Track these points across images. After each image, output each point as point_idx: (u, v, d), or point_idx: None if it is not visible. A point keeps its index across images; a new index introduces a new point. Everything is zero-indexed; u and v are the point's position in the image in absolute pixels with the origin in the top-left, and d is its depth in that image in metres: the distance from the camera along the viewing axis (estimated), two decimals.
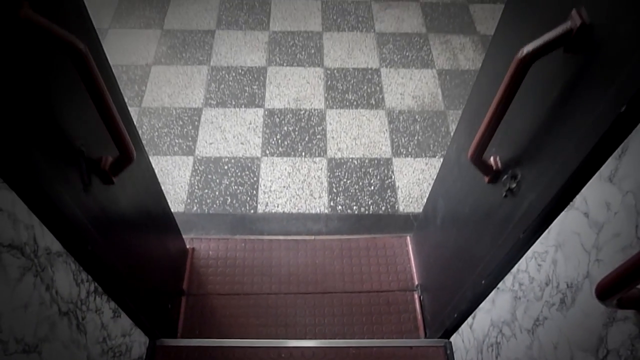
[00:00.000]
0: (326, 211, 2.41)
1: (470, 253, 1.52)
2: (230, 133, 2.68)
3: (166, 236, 1.95)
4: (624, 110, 0.78)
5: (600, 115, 0.83)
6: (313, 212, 2.40)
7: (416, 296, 2.14)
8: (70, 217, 1.04)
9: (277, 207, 2.41)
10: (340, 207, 2.43)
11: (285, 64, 3.05)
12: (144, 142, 2.51)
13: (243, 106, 2.81)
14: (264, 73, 2.99)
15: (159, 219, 1.83)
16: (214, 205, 2.41)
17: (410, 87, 2.95)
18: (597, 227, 0.87)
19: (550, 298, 1.05)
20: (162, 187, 1.83)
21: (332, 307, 2.12)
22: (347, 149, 2.65)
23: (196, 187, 2.47)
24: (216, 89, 2.90)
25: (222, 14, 3.36)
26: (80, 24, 1.07)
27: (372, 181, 2.53)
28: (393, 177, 2.54)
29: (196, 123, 2.72)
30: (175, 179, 2.49)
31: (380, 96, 2.90)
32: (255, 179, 2.51)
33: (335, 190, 2.48)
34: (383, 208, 2.44)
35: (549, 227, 1.04)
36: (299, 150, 2.63)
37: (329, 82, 2.95)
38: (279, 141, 2.66)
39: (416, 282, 2.18)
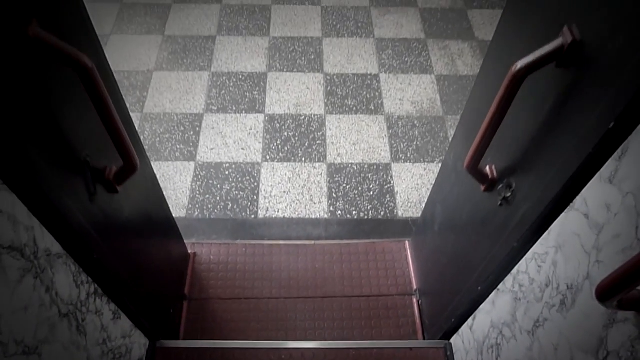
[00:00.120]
0: (326, 216, 2.44)
1: (467, 259, 1.55)
2: (231, 139, 2.71)
3: (168, 241, 1.98)
4: (612, 127, 0.81)
5: (589, 130, 0.86)
6: (313, 217, 2.43)
7: (415, 300, 2.17)
8: (76, 225, 1.07)
9: (278, 212, 2.44)
10: (339, 212, 2.46)
11: (285, 70, 3.08)
12: (145, 147, 2.54)
13: (244, 112, 2.84)
14: (264, 79, 3.02)
15: (161, 224, 1.86)
16: (215, 211, 2.44)
17: (409, 93, 2.98)
18: (598, 229, 0.87)
19: (551, 299, 1.06)
20: (164, 193, 1.86)
21: (332, 311, 2.15)
22: (347, 154, 2.68)
23: (197, 192, 2.50)
24: (217, 94, 2.93)
25: (222, 20, 3.39)
26: (87, 39, 1.10)
27: (371, 186, 2.56)
28: (392, 182, 2.57)
29: (197, 129, 2.75)
30: (176, 185, 2.52)
31: (380, 102, 2.93)
32: (255, 184, 2.54)
33: (335, 196, 2.51)
34: (382, 213, 2.46)
35: (549, 229, 1.05)
36: (299, 155, 2.66)
37: (329, 88, 2.99)
38: (280, 147, 2.69)
39: (415, 287, 2.21)
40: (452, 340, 1.90)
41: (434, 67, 3.14)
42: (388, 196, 2.52)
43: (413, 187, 2.56)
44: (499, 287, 1.34)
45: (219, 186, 2.52)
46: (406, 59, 3.18)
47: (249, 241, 2.32)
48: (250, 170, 2.59)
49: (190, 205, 2.45)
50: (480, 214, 1.41)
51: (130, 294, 1.48)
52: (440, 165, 2.36)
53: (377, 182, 2.57)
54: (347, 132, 2.77)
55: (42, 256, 0.98)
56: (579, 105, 0.90)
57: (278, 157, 2.65)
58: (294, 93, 2.95)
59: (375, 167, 2.63)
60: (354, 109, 2.89)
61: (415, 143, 2.74)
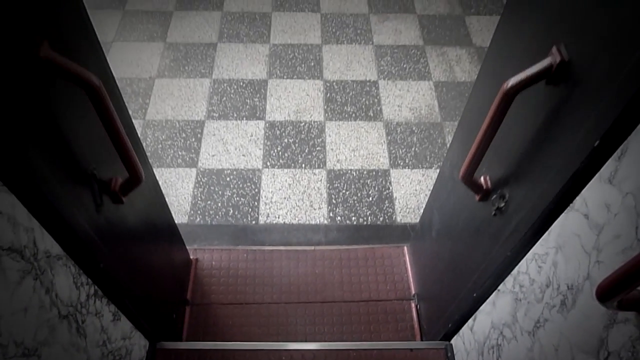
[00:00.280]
0: (326, 222, 2.48)
1: (463, 266, 1.58)
2: (232, 145, 2.75)
3: (170, 248, 2.01)
4: (597, 145, 0.85)
5: (577, 146, 0.90)
6: (313, 222, 2.47)
7: (413, 305, 2.21)
8: (82, 234, 1.10)
9: (278, 218, 2.48)
10: (339, 217, 2.50)
11: (285, 77, 3.12)
12: (148, 154, 2.58)
13: (244, 118, 2.88)
14: (264, 86, 3.06)
15: (163, 231, 1.90)
16: (217, 217, 2.48)
17: (408, 99, 3.02)
18: (598, 229, 0.87)
19: (551, 300, 1.06)
20: (166, 199, 1.90)
21: (332, 316, 2.18)
22: (346, 160, 2.72)
23: (199, 198, 2.54)
24: (218, 101, 2.97)
25: (223, 27, 3.43)
26: (93, 56, 1.15)
27: (370, 192, 2.60)
28: (391, 188, 2.61)
29: (199, 135, 2.80)
30: (178, 191, 2.56)
31: (378, 108, 2.97)
32: (256, 190, 2.58)
33: (334, 201, 2.55)
34: (381, 219, 2.50)
35: (549, 229, 1.05)
36: (299, 161, 2.70)
37: (328, 95, 3.03)
38: (280, 153, 2.73)
39: (413, 292, 2.25)
40: (452, 341, 1.92)
41: (432, 74, 3.18)
42: (387, 202, 2.56)
43: (411, 193, 2.60)
44: (499, 287, 1.35)
45: (220, 192, 2.56)
46: (404, 66, 3.22)
47: (250, 247, 2.36)
48: (251, 176, 2.63)
49: (192, 212, 2.49)
50: (475, 222, 1.45)
51: (132, 297, 1.49)
52: (438, 171, 2.39)
53: (376, 188, 2.61)
54: (346, 138, 2.81)
55: (42, 258, 0.98)
56: (568, 122, 0.94)
57: (278, 164, 2.69)
58: (294, 100, 2.99)
59: (374, 173, 2.67)
60: (353, 115, 2.93)
61: (413, 149, 2.78)
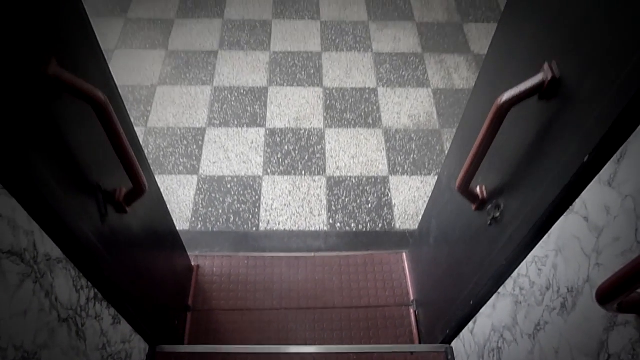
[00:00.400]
0: (325, 228, 2.51)
1: (460, 273, 1.61)
2: (233, 152, 2.79)
3: (172, 254, 2.04)
4: (586, 160, 0.88)
5: (569, 160, 0.93)
6: (313, 229, 2.50)
7: (412, 311, 2.23)
8: (85, 242, 1.12)
9: (279, 224, 2.51)
10: (339, 224, 2.53)
11: (285, 84, 3.16)
12: (150, 161, 2.61)
13: (245, 126, 2.92)
14: (265, 93, 3.10)
15: (165, 238, 1.93)
16: (218, 223, 2.51)
17: (407, 107, 3.05)
18: (597, 231, 0.88)
19: (551, 302, 1.06)
20: (168, 206, 1.92)
21: (332, 321, 2.21)
22: (346, 167, 2.75)
23: (200, 205, 2.57)
24: (219, 109, 3.01)
25: (224, 35, 3.47)
26: (100, 72, 1.18)
27: (369, 199, 2.63)
28: (390, 194, 2.64)
29: (200, 142, 2.83)
30: (180, 198, 2.59)
31: (378, 115, 3.00)
32: (257, 197, 2.61)
33: (334, 208, 2.58)
34: (380, 225, 2.53)
35: (549, 232, 1.06)
36: (299, 168, 2.73)
37: (328, 102, 3.06)
38: (280, 160, 2.76)
39: (412, 298, 2.27)
40: (453, 344, 1.93)
41: (431, 81, 3.22)
42: (386, 208, 2.59)
43: (410, 200, 2.63)
44: (499, 290, 1.36)
45: (221, 199, 2.59)
46: (403, 73, 3.26)
47: (251, 253, 2.39)
48: (251, 183, 2.66)
49: (193, 218, 2.52)
50: (472, 231, 1.48)
51: (132, 301, 1.50)
52: (436, 177, 2.42)
53: (375, 195, 2.64)
54: (346, 145, 2.85)
55: (42, 261, 0.98)
56: (559, 136, 0.97)
57: (279, 171, 2.72)
58: (294, 107, 3.02)
59: (373, 179, 2.70)
60: (353, 122, 2.96)
61: (412, 156, 2.81)
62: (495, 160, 1.26)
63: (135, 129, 1.46)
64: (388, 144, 2.86)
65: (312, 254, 2.40)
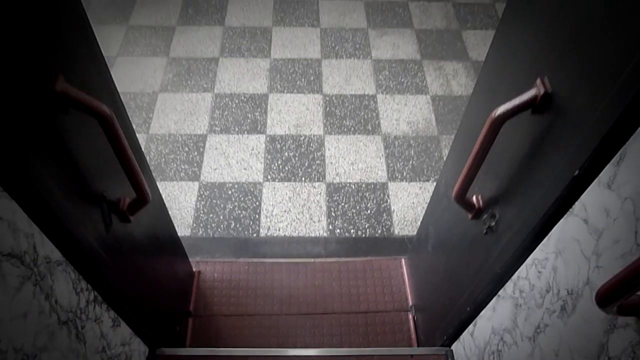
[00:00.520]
0: (325, 234, 2.54)
1: (457, 280, 1.64)
2: (234, 159, 2.82)
3: (174, 260, 2.07)
4: (577, 174, 0.91)
5: (560, 173, 0.96)
6: (313, 235, 2.53)
7: (410, 316, 2.26)
8: (89, 249, 1.14)
9: (279, 230, 2.54)
10: (338, 230, 2.56)
11: (285, 91, 3.19)
12: (151, 167, 2.64)
13: (246, 132, 2.95)
14: (265, 100, 3.13)
15: (167, 245, 1.96)
16: (219, 229, 2.53)
17: (405, 113, 3.08)
18: (597, 234, 0.88)
19: (551, 305, 1.06)
20: (170, 212, 1.95)
21: (331, 326, 2.24)
22: (345, 173, 2.78)
23: (202, 211, 2.60)
24: (220, 115, 3.04)
25: (225, 42, 3.51)
26: (105, 86, 1.21)
27: (368, 205, 2.66)
28: (389, 201, 2.67)
29: (201, 149, 2.86)
30: (181, 204, 2.62)
31: (377, 122, 3.03)
32: (257, 203, 2.64)
33: (333, 214, 2.61)
34: (379, 231, 2.56)
35: (549, 234, 1.06)
36: (299, 175, 2.76)
37: (328, 109, 3.09)
38: (280, 166, 2.79)
39: (410, 303, 2.30)
40: (453, 347, 1.93)
41: (429, 88, 3.25)
42: (385, 214, 2.62)
43: (409, 206, 2.66)
44: (499, 293, 1.37)
45: (222, 205, 2.62)
46: (402, 80, 3.29)
47: (251, 259, 2.42)
48: (252, 189, 2.69)
49: (194, 224, 2.55)
50: (468, 239, 1.50)
51: (132, 305, 1.51)
52: (434, 184, 2.45)
53: (374, 201, 2.67)
54: (345, 152, 2.88)
55: (42, 263, 0.98)
56: (551, 149, 1.00)
57: (279, 177, 2.75)
58: (294, 114, 3.05)
59: (372, 186, 2.73)
60: (352, 129, 2.99)
61: (411, 162, 2.84)
62: (490, 171, 1.29)
63: (137, 135, 1.48)
64: (387, 151, 2.89)
65: (312, 260, 2.43)
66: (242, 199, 2.65)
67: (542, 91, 1.00)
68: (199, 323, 2.21)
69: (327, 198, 2.67)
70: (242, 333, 2.19)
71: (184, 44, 3.49)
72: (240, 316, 2.24)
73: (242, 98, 3.14)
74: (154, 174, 2.48)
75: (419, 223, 2.44)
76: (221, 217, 2.58)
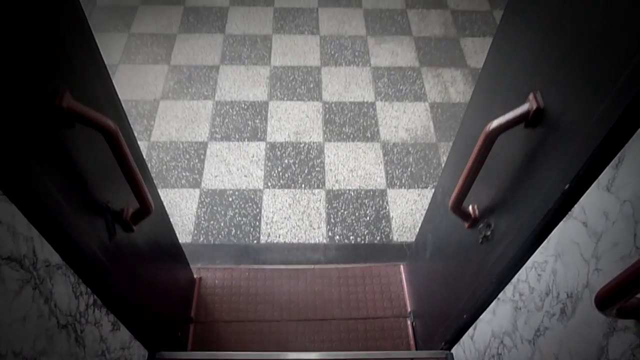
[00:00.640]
0: (325, 241, 2.56)
1: (454, 288, 1.67)
2: (234, 166, 2.85)
3: (175, 267, 2.10)
4: (567, 188, 0.94)
5: (552, 186, 1.00)
6: (312, 242, 2.56)
7: (409, 322, 2.28)
8: (91, 257, 1.17)
9: (279, 237, 2.57)
10: (337, 237, 2.58)
11: (285, 98, 3.22)
12: (153, 175, 2.67)
13: (246, 140, 2.98)
14: (265, 107, 3.17)
15: (169, 252, 1.98)
16: (220, 236, 2.56)
17: (404, 120, 3.12)
18: (596, 237, 0.88)
19: (551, 308, 1.06)
20: (171, 219, 1.97)
21: (330, 332, 2.26)
22: (344, 180, 2.81)
23: (203, 218, 2.63)
24: (221, 123, 3.07)
25: (225, 50, 3.54)
26: (110, 101, 1.24)
27: (367, 212, 2.69)
28: (387, 207, 2.70)
29: (202, 156, 2.89)
30: (183, 211, 2.65)
31: (376, 129, 3.07)
32: (257, 210, 2.67)
33: (333, 221, 2.64)
34: (378, 238, 2.59)
35: (548, 237, 1.07)
36: (299, 182, 2.79)
37: (327, 116, 3.13)
38: (280, 174, 2.82)
39: (409, 309, 2.33)
40: (453, 350, 1.94)
41: (428, 95, 3.28)
42: (384, 221, 2.65)
43: (407, 212, 2.68)
44: (499, 296, 1.37)
45: (222, 212, 2.65)
46: (401, 87, 3.33)
47: (252, 266, 2.45)
48: (252, 196, 2.72)
49: (195, 231, 2.58)
50: (465, 247, 1.53)
51: (132, 308, 1.52)
52: (433, 190, 2.48)
53: (373, 208, 2.70)
54: (344, 159, 2.91)
55: (42, 267, 0.98)
56: (544, 162, 1.03)
57: (279, 184, 2.78)
58: (294, 121, 3.09)
59: (371, 193, 2.76)
60: (351, 136, 3.02)
61: (409, 169, 2.87)
62: (486, 181, 1.32)
63: (139, 142, 1.51)
64: (386, 158, 2.92)
65: (312, 267, 2.46)
66: (242, 205, 2.68)
67: (534, 106, 1.03)
68: (200, 329, 2.24)
69: (327, 205, 2.70)
70: (243, 339, 2.21)
71: (185, 51, 3.52)
72: (241, 322, 2.27)
73: (243, 105, 3.17)
74: (155, 181, 2.51)
75: (417, 230, 2.47)
76: (222, 224, 2.61)
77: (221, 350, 2.17)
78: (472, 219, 1.41)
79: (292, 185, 2.78)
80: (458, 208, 1.37)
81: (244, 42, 3.61)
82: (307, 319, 2.30)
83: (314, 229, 2.60)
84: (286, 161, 2.88)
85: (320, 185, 2.78)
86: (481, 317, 1.55)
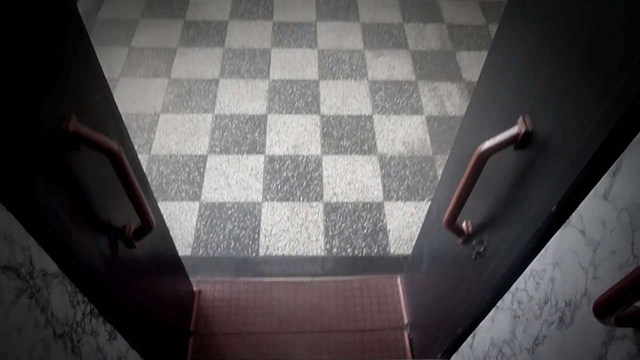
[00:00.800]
0: (322, 253, 2.60)
1: (449, 301, 1.70)
2: (234, 179, 2.89)
3: (175, 281, 2.13)
4: (554, 210, 0.98)
5: (540, 207, 1.03)
6: (310, 254, 2.59)
7: (406, 334, 2.31)
8: (92, 270, 1.19)
9: (277, 250, 2.60)
10: (335, 249, 2.62)
11: (284, 112, 3.27)
12: (153, 188, 2.71)
13: (245, 153, 3.02)
14: (264, 121, 3.21)
15: (169, 266, 2.01)
16: (219, 249, 2.59)
17: (401, 134, 3.16)
18: (594, 245, 0.88)
19: (549, 316, 1.06)
20: (171, 232, 2.01)
21: (328, 344, 2.29)
22: (342, 193, 2.85)
23: (202, 231, 2.66)
24: (220, 136, 3.11)
25: (225, 63, 3.59)
26: (114, 123, 1.28)
27: (365, 224, 2.72)
28: (384, 220, 2.74)
29: (202, 169, 2.93)
30: (182, 224, 2.68)
31: (373, 142, 3.11)
32: (256, 223, 2.70)
33: (330, 234, 2.67)
34: (375, 250, 2.62)
35: (546, 245, 1.07)
36: (298, 195, 2.83)
37: (325, 129, 3.17)
38: (279, 187, 2.86)
39: (406, 321, 2.36)
40: (452, 359, 1.93)
41: (424, 108, 3.33)
42: (381, 234, 2.68)
43: (404, 225, 2.72)
44: (497, 304, 1.38)
45: (222, 225, 2.69)
46: (398, 100, 3.38)
47: (251, 278, 2.48)
48: (251, 209, 2.75)
49: (195, 244, 2.61)
50: (459, 262, 1.57)
51: (130, 317, 1.52)
52: (429, 203, 2.52)
53: (371, 220, 2.74)
54: (342, 172, 2.95)
55: (38, 276, 0.97)
56: (534, 182, 1.07)
57: (277, 197, 2.82)
58: (292, 134, 3.13)
59: (368, 205, 2.80)
60: (349, 149, 3.07)
61: (406, 182, 2.91)
62: (479, 198, 1.36)
63: (139, 156, 1.53)
64: (383, 170, 2.96)
65: (310, 279, 2.49)
66: (241, 218, 2.72)
67: (523, 130, 1.07)
68: (200, 341, 2.27)
69: (325, 217, 2.74)
70: (242, 351, 2.24)
71: (185, 65, 3.57)
72: (240, 334, 2.29)
73: (242, 119, 3.22)
74: (155, 194, 2.54)
75: (414, 242, 2.50)
76: (221, 237, 2.64)
77: None
78: (466, 235, 1.45)
79: (291, 198, 2.82)
80: (452, 225, 1.40)
81: (243, 55, 3.66)
82: (305, 331, 2.33)
83: (312, 241, 2.64)
84: (285, 174, 2.92)
85: (318, 198, 2.82)
86: (480, 325, 1.56)
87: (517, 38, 1.15)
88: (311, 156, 3.02)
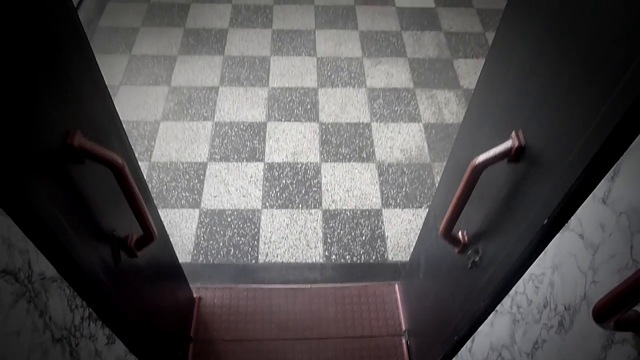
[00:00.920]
0: (321, 260, 2.62)
1: (446, 309, 1.73)
2: (233, 186, 2.91)
3: (175, 287, 2.15)
4: (545, 223, 1.01)
5: (533, 219, 1.06)
6: (309, 261, 2.61)
7: (404, 341, 2.34)
8: (94, 278, 1.21)
9: (277, 257, 2.63)
10: (334, 256, 2.64)
11: (283, 119, 3.30)
12: (153, 195, 2.73)
13: (245, 160, 3.05)
14: (263, 128, 3.24)
15: (169, 273, 2.04)
16: (219, 256, 2.62)
17: (399, 141, 3.20)
18: (593, 249, 0.88)
19: (549, 320, 1.06)
20: (171, 239, 2.03)
21: (327, 351, 2.31)
22: (341, 200, 2.88)
23: (202, 238, 2.69)
24: (220, 144, 3.14)
25: (225, 71, 3.63)
26: (117, 137, 1.31)
27: (363, 231, 2.75)
28: (383, 227, 2.76)
29: (201, 177, 2.96)
30: (182, 231, 2.71)
31: (371, 150, 3.14)
32: (256, 230, 2.73)
33: (329, 241, 2.70)
34: (373, 257, 2.65)
35: (545, 249, 1.07)
36: (296, 202, 2.86)
37: (324, 137, 3.20)
38: (278, 194, 2.89)
39: (404, 328, 2.38)
40: None
41: (422, 116, 3.37)
42: (379, 241, 2.71)
43: (402, 232, 2.75)
44: (497, 308, 1.38)
45: (221, 232, 2.71)
46: (396, 108, 3.41)
47: (250, 285, 2.50)
48: (250, 216, 2.78)
49: (195, 251, 2.63)
50: (455, 271, 1.60)
51: (129, 322, 1.53)
52: (427, 210, 2.55)
53: (369, 227, 2.76)
54: (341, 179, 2.98)
55: (37, 280, 0.97)
56: (527, 194, 1.10)
57: (277, 204, 2.84)
58: (292, 142, 3.16)
59: (367, 212, 2.83)
60: (347, 157, 3.10)
61: (404, 189, 2.94)
62: (474, 209, 1.39)
63: (140, 163, 1.55)
64: (381, 178, 2.99)
65: (309, 286, 2.52)
66: (241, 225, 2.74)
67: (516, 144, 1.10)
68: (200, 348, 2.29)
69: (324, 225, 2.77)
70: (241, 357, 2.26)
71: (185, 73, 3.61)
72: (240, 341, 2.32)
73: (241, 126, 3.25)
74: (155, 202, 2.57)
75: (411, 249, 2.53)
76: (221, 244, 2.67)
77: None
78: (462, 244, 1.48)
79: (290, 205, 2.84)
80: (448, 234, 1.43)
81: (242, 63, 3.69)
82: (304, 337, 2.35)
83: (311, 248, 2.66)
84: (284, 181, 2.95)
85: (317, 205, 2.85)
86: (479, 329, 1.57)
87: (509, 54, 1.18)
88: (310, 163, 3.05)
